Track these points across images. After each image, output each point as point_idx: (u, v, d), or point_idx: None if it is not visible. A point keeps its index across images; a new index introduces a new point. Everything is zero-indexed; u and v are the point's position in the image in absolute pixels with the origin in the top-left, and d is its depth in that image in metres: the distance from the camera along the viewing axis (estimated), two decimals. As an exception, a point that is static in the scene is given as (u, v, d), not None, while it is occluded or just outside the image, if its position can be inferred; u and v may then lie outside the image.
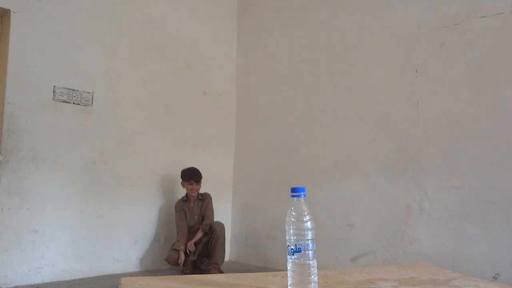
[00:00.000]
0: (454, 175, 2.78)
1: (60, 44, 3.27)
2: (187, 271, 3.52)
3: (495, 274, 2.52)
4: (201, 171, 3.68)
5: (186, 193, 3.68)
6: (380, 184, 3.16)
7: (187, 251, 3.46)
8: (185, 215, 3.64)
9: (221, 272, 3.43)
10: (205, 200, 3.67)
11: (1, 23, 3.12)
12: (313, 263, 1.05)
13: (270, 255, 3.87)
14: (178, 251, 3.42)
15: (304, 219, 1.06)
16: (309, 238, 1.05)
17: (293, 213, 1.07)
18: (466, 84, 2.78)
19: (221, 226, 3.55)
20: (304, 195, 1.10)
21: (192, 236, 3.55)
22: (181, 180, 3.67)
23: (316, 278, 1.05)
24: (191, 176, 3.62)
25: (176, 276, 1.46)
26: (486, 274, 2.52)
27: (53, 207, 3.14)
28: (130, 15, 3.73)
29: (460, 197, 2.73)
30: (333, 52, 3.62)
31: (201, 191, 3.70)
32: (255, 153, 4.19)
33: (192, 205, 3.65)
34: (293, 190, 1.10)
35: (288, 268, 1.06)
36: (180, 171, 3.75)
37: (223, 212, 3.83)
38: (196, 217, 3.64)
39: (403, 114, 3.09)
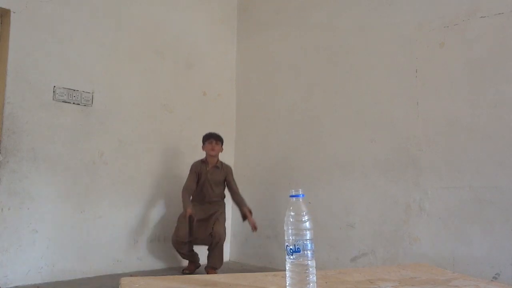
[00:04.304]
0: (454, 175, 2.78)
1: (60, 44, 3.27)
2: (187, 271, 3.51)
3: (495, 274, 2.52)
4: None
5: (205, 156, 3.56)
6: (380, 184, 3.16)
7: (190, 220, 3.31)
8: (198, 179, 3.50)
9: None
10: (225, 171, 3.55)
11: (1, 23, 3.12)
12: (312, 263, 1.05)
13: (270, 255, 3.87)
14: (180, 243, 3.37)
15: (303, 219, 1.06)
16: (308, 238, 1.05)
17: (292, 213, 1.08)
18: (466, 84, 2.78)
19: (223, 228, 3.45)
20: (303, 195, 1.10)
21: (205, 207, 3.44)
22: (202, 145, 3.59)
23: (314, 278, 1.05)
24: (210, 135, 3.54)
25: (176, 276, 1.46)
26: (486, 274, 2.52)
27: (53, 207, 3.14)
28: (130, 15, 3.73)
29: (460, 197, 2.73)
30: (333, 52, 3.62)
31: None
32: (255, 153, 4.19)
33: (208, 169, 3.50)
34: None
35: (287, 268, 1.06)
36: (180, 171, 3.75)
37: (223, 212, 3.83)
38: (211, 185, 3.48)
39: (403, 114, 3.09)
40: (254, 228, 3.40)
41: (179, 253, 3.50)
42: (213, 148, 3.51)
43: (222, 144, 3.60)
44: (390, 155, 3.12)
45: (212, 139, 3.53)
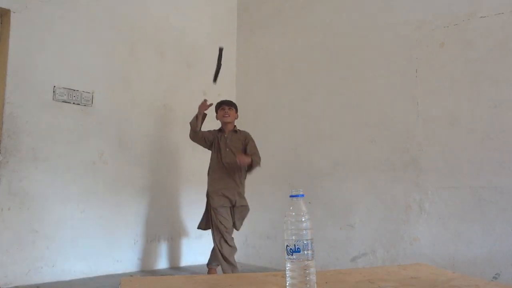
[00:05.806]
0: (454, 175, 2.77)
1: (60, 44, 3.27)
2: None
3: (495, 274, 2.52)
4: (201, 171, 3.65)
5: (221, 125, 3.41)
6: (380, 184, 3.16)
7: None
8: (211, 144, 3.36)
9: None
10: (243, 136, 3.33)
11: (1, 23, 3.12)
12: (312, 263, 1.05)
13: (270, 255, 3.87)
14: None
15: (303, 219, 1.06)
16: (308, 238, 1.05)
17: (292, 213, 1.08)
18: (466, 84, 2.78)
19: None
20: (303, 195, 1.10)
21: (231, 173, 3.24)
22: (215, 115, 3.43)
23: (314, 278, 1.05)
24: (221, 102, 3.39)
25: (176, 276, 1.46)
26: (486, 274, 2.52)
27: (53, 207, 3.14)
28: (130, 15, 3.73)
29: (460, 197, 2.73)
30: (333, 52, 3.62)
31: None
32: (255, 153, 4.18)
33: (226, 136, 3.34)
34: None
35: (287, 268, 1.06)
36: (180, 171, 3.77)
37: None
38: (230, 151, 3.26)
39: (403, 114, 3.09)
40: (239, 161, 3.12)
41: (228, 238, 3.19)
42: (226, 113, 3.33)
43: (236, 111, 3.44)
44: (390, 155, 3.12)
45: (224, 105, 3.36)
